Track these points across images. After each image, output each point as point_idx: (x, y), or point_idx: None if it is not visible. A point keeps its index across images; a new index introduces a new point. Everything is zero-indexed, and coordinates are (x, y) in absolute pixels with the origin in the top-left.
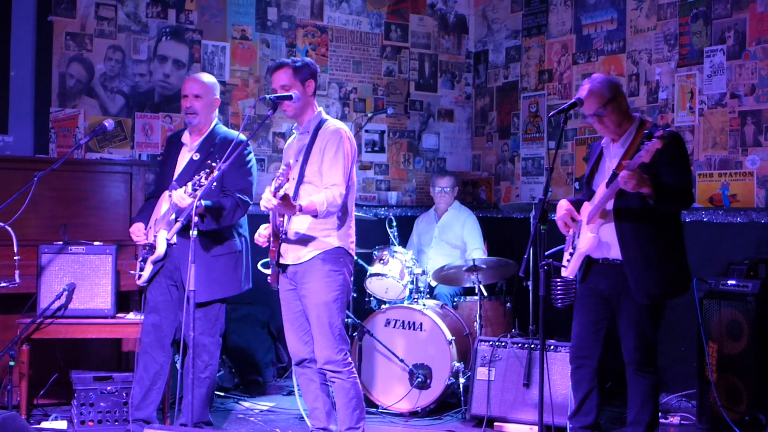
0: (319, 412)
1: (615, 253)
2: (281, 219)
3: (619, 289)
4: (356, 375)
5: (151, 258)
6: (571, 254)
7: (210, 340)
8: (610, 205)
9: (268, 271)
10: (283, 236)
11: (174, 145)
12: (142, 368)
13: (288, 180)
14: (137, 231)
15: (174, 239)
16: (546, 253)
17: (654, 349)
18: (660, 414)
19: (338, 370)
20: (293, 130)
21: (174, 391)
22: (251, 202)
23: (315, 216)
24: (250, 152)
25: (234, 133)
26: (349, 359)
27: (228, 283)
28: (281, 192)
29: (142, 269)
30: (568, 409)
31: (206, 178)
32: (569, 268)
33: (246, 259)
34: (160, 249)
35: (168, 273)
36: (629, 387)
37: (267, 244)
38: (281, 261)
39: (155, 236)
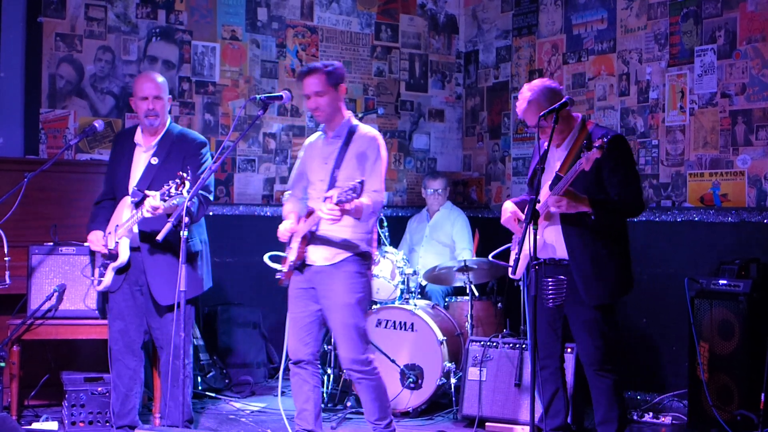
0: (308, 413)
1: (561, 253)
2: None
3: (567, 291)
4: (379, 371)
5: (113, 265)
6: (518, 254)
7: (185, 339)
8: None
9: (278, 266)
10: (310, 236)
11: (125, 145)
12: (115, 376)
13: (358, 197)
14: (96, 240)
15: (136, 244)
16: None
17: (613, 347)
18: (651, 414)
19: (364, 370)
20: (320, 131)
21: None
22: (212, 199)
23: (358, 218)
24: (207, 151)
25: (189, 131)
26: (372, 357)
27: (192, 283)
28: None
29: (102, 275)
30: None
31: (176, 189)
32: (517, 270)
33: (206, 258)
34: (123, 256)
35: (133, 278)
36: (591, 388)
37: (288, 240)
38: (307, 261)
39: (117, 243)
